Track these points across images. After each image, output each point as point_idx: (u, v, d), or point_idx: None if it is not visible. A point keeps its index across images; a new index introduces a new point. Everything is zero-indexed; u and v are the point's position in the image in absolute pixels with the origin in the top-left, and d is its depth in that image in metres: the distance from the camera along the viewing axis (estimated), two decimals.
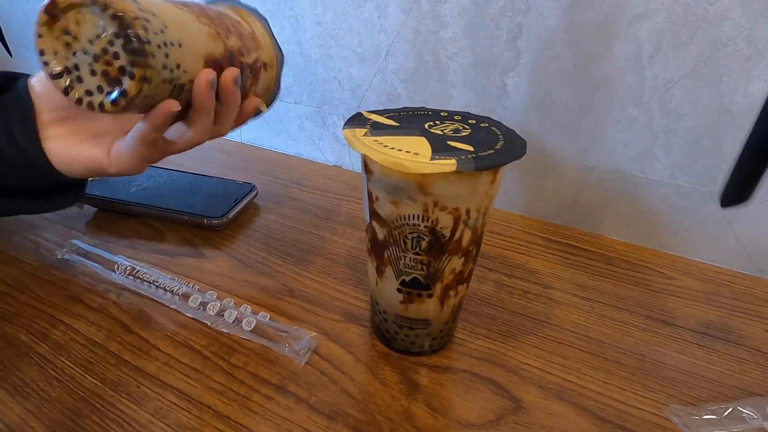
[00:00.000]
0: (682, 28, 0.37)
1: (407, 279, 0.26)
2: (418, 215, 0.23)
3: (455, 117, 0.28)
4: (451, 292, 0.27)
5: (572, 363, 0.31)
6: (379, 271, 0.28)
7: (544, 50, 0.43)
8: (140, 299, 0.34)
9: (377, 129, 0.25)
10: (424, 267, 0.25)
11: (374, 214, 0.25)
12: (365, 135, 0.24)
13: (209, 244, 0.41)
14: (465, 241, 0.25)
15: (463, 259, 0.26)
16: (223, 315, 0.32)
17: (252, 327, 0.31)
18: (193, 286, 0.34)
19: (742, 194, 0.19)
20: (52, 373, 0.28)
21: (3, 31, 0.86)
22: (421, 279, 0.26)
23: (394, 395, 0.28)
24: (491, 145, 0.23)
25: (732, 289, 0.39)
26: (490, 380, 0.29)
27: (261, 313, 0.33)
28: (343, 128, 0.25)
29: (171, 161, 0.39)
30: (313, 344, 0.31)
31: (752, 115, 0.21)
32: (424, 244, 0.24)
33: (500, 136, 0.25)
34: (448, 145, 0.23)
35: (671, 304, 0.37)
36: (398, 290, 0.27)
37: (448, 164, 0.21)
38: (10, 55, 0.85)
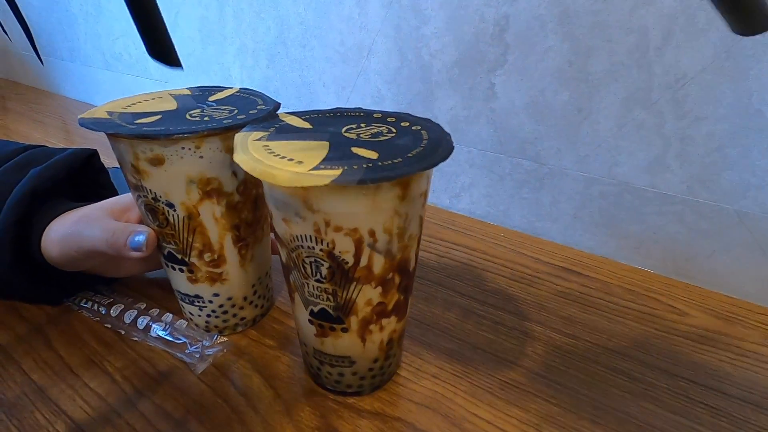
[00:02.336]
0: (698, 11, 0.30)
1: (315, 309, 0.22)
2: (311, 236, 0.19)
3: (388, 119, 0.24)
4: (373, 327, 0.23)
5: (533, 418, 0.25)
6: (291, 298, 0.24)
7: (535, 44, 0.37)
8: (70, 311, 0.32)
9: (281, 132, 0.22)
10: (330, 297, 0.21)
11: (274, 232, 0.22)
12: (259, 139, 0.20)
13: None
14: (378, 269, 0.20)
15: (380, 289, 0.21)
16: (136, 323, 0.30)
17: (162, 334, 0.29)
18: (126, 298, 0.32)
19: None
20: None
21: (34, 40, 0.92)
22: (330, 310, 0.22)
23: None
24: (403, 153, 0.19)
25: (764, 333, 0.32)
26: None
27: (179, 321, 0.30)
28: (242, 130, 0.22)
29: None
30: (212, 352, 0.28)
31: None
32: (324, 270, 0.20)
33: (424, 142, 0.20)
34: (350, 151, 0.19)
35: (679, 348, 0.30)
36: (310, 321, 0.23)
37: (325, 175, 0.17)
38: (41, 63, 0.90)
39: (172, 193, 0.24)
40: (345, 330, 0.22)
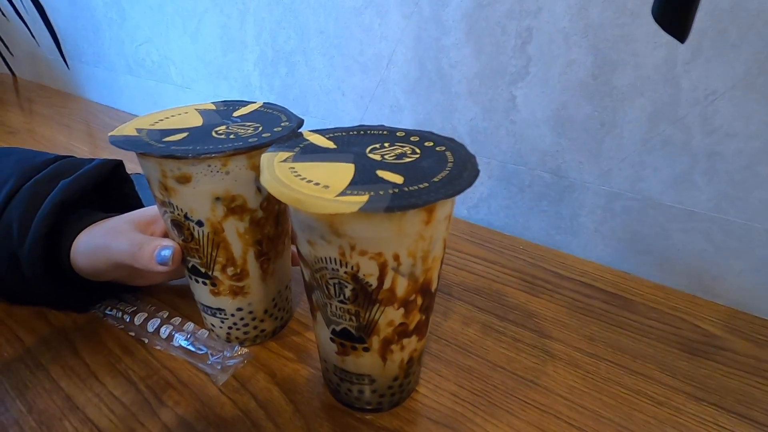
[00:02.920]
0: (730, 26, 0.30)
1: (337, 329, 0.22)
2: (335, 259, 0.19)
3: (411, 138, 0.24)
4: (394, 347, 0.23)
5: None
6: (313, 316, 0.24)
7: (558, 57, 0.37)
8: (96, 318, 0.33)
9: (307, 152, 0.22)
10: (353, 318, 0.21)
11: (299, 252, 0.22)
12: (285, 160, 0.21)
13: None
14: (401, 291, 0.20)
15: (402, 310, 0.21)
16: (159, 332, 0.31)
17: (184, 344, 0.30)
18: (150, 306, 0.33)
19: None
20: None
21: (61, 45, 0.95)
22: (352, 330, 0.22)
23: None
24: (429, 177, 0.19)
25: None
26: None
27: (200, 331, 0.31)
28: (268, 150, 0.22)
29: None
30: (232, 363, 0.28)
31: None
32: (347, 292, 0.20)
33: (449, 165, 0.20)
34: (375, 175, 0.19)
35: (706, 371, 0.30)
36: (331, 339, 0.23)
37: (353, 203, 0.17)
38: (67, 67, 0.93)
39: (198, 209, 0.24)
40: (366, 350, 0.22)
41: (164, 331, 0.31)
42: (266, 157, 0.21)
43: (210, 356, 0.29)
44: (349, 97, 0.51)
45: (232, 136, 0.24)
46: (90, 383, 0.28)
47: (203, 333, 0.31)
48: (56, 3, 0.84)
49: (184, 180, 0.23)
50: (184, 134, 0.24)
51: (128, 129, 0.25)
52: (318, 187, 0.18)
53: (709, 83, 0.31)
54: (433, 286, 0.22)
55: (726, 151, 0.32)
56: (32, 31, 0.94)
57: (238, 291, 0.28)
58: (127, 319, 0.32)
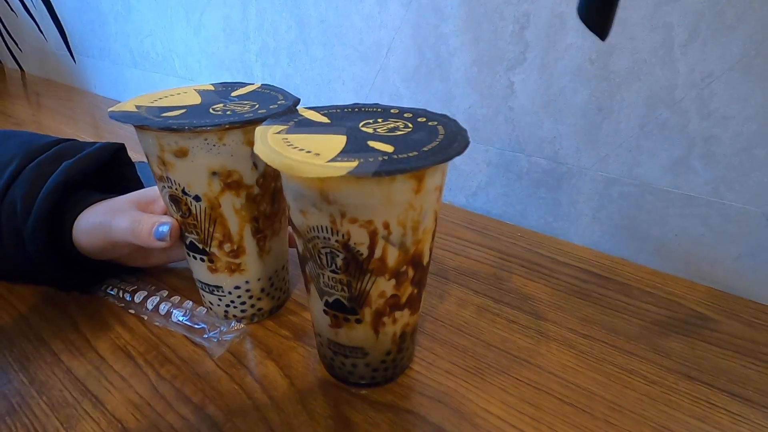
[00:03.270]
0: (726, 8, 0.30)
1: (330, 300, 0.23)
2: (327, 227, 0.20)
3: (405, 114, 0.24)
4: (386, 319, 0.23)
5: (546, 416, 0.25)
6: (307, 288, 0.24)
7: (555, 42, 0.37)
8: (97, 297, 0.34)
9: (301, 126, 0.22)
10: (345, 288, 0.22)
11: (291, 223, 0.22)
12: (279, 132, 0.21)
13: None
14: (391, 261, 0.21)
15: (393, 281, 0.21)
16: (158, 309, 0.31)
17: (182, 319, 0.30)
18: (149, 286, 0.33)
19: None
20: None
21: (68, 40, 0.96)
22: (344, 301, 0.22)
23: None
24: (418, 147, 0.19)
25: None
26: (437, 426, 0.24)
27: (199, 308, 0.31)
28: (263, 123, 0.22)
29: None
30: (229, 337, 0.29)
31: None
32: (339, 261, 0.21)
33: (440, 137, 0.20)
34: (366, 144, 0.19)
35: (701, 352, 0.30)
36: (324, 312, 0.24)
37: (341, 167, 0.17)
38: (74, 61, 0.94)
39: (195, 184, 0.25)
40: (359, 321, 0.23)
41: (163, 308, 0.31)
42: (260, 130, 0.21)
43: (207, 331, 0.30)
44: (350, 86, 0.52)
45: (228, 113, 0.24)
46: (90, 357, 0.29)
47: (201, 310, 0.31)
48: None
49: (181, 154, 0.23)
50: (182, 111, 0.25)
51: (128, 105, 0.25)
52: (309, 154, 0.18)
53: (705, 66, 0.31)
54: (425, 260, 0.23)
55: (723, 134, 0.32)
56: (40, 26, 0.95)
57: (234, 268, 0.28)
58: (128, 298, 0.33)
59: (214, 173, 0.24)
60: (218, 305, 0.30)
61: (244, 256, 0.28)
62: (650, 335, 0.31)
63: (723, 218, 0.34)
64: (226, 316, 0.31)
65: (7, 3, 0.97)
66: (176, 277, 0.36)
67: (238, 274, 0.29)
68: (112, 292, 0.33)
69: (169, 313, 0.31)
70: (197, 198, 0.25)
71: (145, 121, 0.23)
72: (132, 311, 0.32)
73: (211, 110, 0.25)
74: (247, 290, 0.30)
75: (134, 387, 0.27)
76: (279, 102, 0.26)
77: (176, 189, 0.25)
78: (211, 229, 0.26)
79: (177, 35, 0.69)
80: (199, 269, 0.29)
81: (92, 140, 0.66)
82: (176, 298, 0.32)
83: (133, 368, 0.28)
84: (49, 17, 0.92)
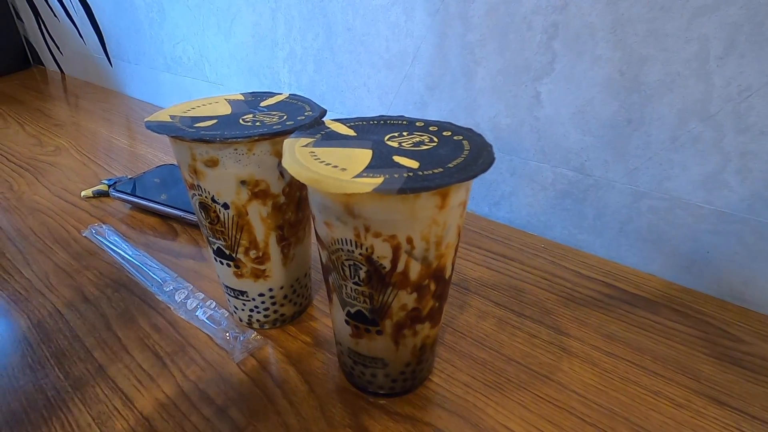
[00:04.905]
0: (766, 20, 0.29)
1: (352, 311, 0.23)
2: (351, 240, 0.20)
3: (430, 128, 0.24)
4: (407, 332, 0.23)
5: None
6: (330, 298, 0.25)
7: (584, 52, 0.36)
8: (131, 296, 0.35)
9: (327, 139, 0.22)
10: (367, 300, 0.22)
11: (316, 234, 0.23)
12: (306, 145, 0.22)
13: None
14: (414, 275, 0.21)
15: (415, 295, 0.22)
16: (186, 303, 0.33)
17: (206, 318, 0.32)
18: (176, 277, 0.35)
19: None
20: (29, 361, 0.29)
21: (106, 45, 1.00)
22: (366, 312, 0.22)
23: None
24: (443, 163, 0.19)
25: None
26: None
27: (222, 310, 0.33)
28: (291, 136, 0.23)
29: None
30: (252, 345, 0.30)
31: None
32: (362, 273, 0.21)
33: (465, 153, 0.21)
34: (391, 160, 0.20)
35: (732, 375, 0.29)
36: (346, 321, 0.24)
37: (367, 184, 0.17)
38: (111, 65, 0.98)
39: (224, 192, 0.25)
40: (379, 332, 0.23)
41: (191, 303, 0.33)
42: (288, 143, 0.22)
43: (230, 333, 0.31)
44: (374, 93, 0.52)
45: (257, 124, 0.25)
46: (121, 355, 0.30)
47: (224, 312, 0.32)
48: (102, 3, 0.89)
49: (212, 163, 0.24)
50: (214, 121, 0.26)
51: (163, 115, 0.26)
52: (336, 169, 0.19)
53: (743, 79, 0.30)
54: (447, 274, 0.23)
55: (761, 150, 0.31)
56: (80, 31, 1.00)
57: (259, 274, 0.29)
58: (160, 283, 0.34)
59: (242, 182, 0.25)
60: (242, 310, 0.31)
61: (268, 263, 0.29)
62: (678, 356, 0.30)
63: (758, 236, 0.33)
64: (249, 321, 0.32)
65: (50, 8, 1.02)
66: (204, 279, 0.37)
67: (263, 280, 0.29)
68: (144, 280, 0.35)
69: (195, 309, 0.32)
70: (226, 206, 0.26)
71: (179, 132, 0.24)
72: (160, 297, 0.34)
73: (241, 121, 0.26)
74: (271, 297, 0.30)
75: (161, 387, 0.28)
76: (306, 113, 0.27)
77: (206, 197, 0.26)
78: (237, 236, 0.27)
79: (208, 41, 0.71)
80: (226, 274, 0.30)
81: (126, 141, 0.69)
82: (200, 295, 0.34)
83: (160, 368, 0.29)
84: (89, 22, 0.96)
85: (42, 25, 1.09)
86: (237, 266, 0.29)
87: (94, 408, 0.26)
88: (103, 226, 0.44)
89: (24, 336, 0.31)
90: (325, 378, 0.28)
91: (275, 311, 0.31)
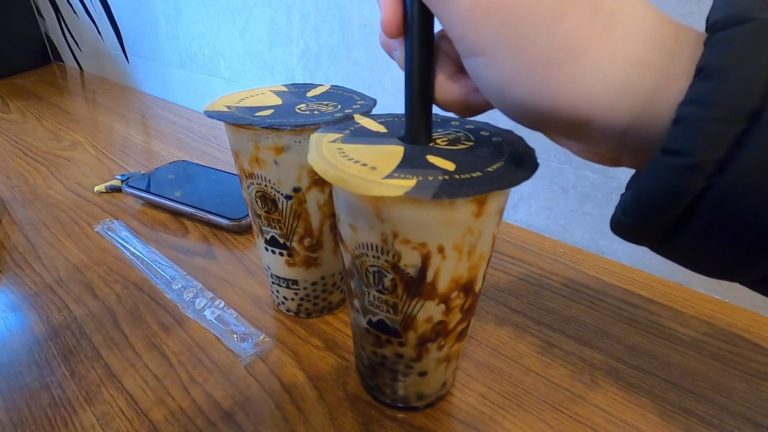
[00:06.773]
0: None
1: (374, 319, 0.22)
2: (376, 245, 0.19)
3: (466, 126, 0.23)
4: (431, 345, 0.22)
5: None
6: (351, 303, 0.24)
7: None
8: (140, 293, 0.34)
9: (356, 135, 0.21)
10: (391, 309, 0.21)
11: (339, 236, 0.22)
12: (334, 141, 0.20)
13: (224, 246, 0.41)
14: (442, 287, 0.19)
15: (442, 306, 0.20)
16: (194, 302, 0.33)
17: (214, 318, 0.31)
18: (185, 275, 0.35)
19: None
20: (36, 358, 0.29)
21: (123, 41, 1.01)
22: (389, 322, 0.21)
23: None
24: (482, 167, 0.18)
25: None
26: None
27: (231, 310, 0.32)
28: (317, 131, 0.22)
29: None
30: (261, 348, 0.29)
31: None
32: (387, 281, 0.20)
33: (505, 156, 0.19)
34: (425, 160, 0.18)
35: None
36: (367, 330, 0.23)
37: (399, 186, 0.16)
38: (127, 61, 0.98)
39: (286, 181, 0.25)
40: (402, 344, 0.22)
41: (200, 302, 0.32)
42: (315, 137, 0.21)
43: (238, 334, 0.30)
44: (389, 90, 0.51)
45: (316, 112, 0.25)
46: (127, 354, 0.29)
47: (233, 312, 0.32)
48: (119, 0, 0.89)
49: (277, 152, 0.24)
50: (271, 111, 0.25)
51: (218, 105, 0.26)
52: (365, 168, 0.17)
53: None
54: (477, 286, 0.21)
55: None
56: (99, 27, 1.01)
57: (311, 262, 0.29)
58: (169, 281, 0.34)
59: (304, 170, 0.25)
60: (292, 300, 0.31)
61: (321, 251, 0.28)
62: (709, 371, 0.28)
63: None
64: (298, 311, 0.31)
65: (71, 6, 1.04)
66: (211, 276, 0.36)
67: (314, 269, 0.29)
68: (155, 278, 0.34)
69: (203, 308, 0.32)
70: (286, 195, 0.26)
71: (248, 120, 0.23)
72: (168, 295, 0.33)
73: (297, 110, 0.26)
74: (323, 284, 0.30)
75: (167, 388, 0.27)
76: (359, 102, 0.27)
77: (266, 185, 0.26)
78: (294, 224, 0.27)
79: (223, 38, 0.71)
80: (277, 264, 0.29)
81: (141, 137, 0.69)
82: (209, 294, 0.33)
83: (167, 368, 0.28)
84: (107, 19, 0.97)
85: (62, 21, 1.10)
86: (290, 255, 0.28)
87: (99, 408, 0.26)
88: (114, 222, 0.43)
89: (32, 332, 0.31)
90: (336, 384, 0.27)
91: (324, 299, 0.31)
